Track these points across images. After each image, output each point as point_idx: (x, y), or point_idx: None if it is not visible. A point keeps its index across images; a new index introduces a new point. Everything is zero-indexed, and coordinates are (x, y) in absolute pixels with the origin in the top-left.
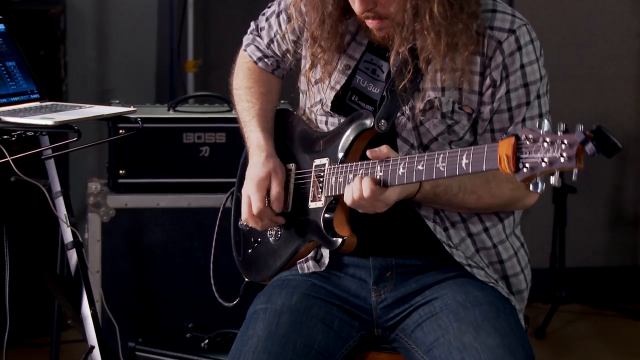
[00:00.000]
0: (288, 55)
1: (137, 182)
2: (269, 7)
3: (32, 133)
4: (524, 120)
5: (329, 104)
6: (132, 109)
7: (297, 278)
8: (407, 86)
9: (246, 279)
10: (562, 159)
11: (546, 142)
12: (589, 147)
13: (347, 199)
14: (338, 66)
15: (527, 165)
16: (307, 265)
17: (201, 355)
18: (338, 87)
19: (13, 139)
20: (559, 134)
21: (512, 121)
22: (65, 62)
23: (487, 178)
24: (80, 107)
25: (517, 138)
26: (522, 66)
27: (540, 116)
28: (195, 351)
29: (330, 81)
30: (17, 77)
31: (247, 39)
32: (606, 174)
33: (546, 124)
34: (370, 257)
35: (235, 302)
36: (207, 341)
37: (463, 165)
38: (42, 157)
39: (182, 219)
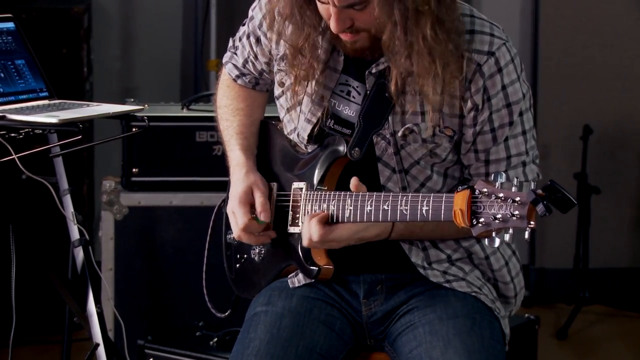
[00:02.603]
0: (265, 74)
1: (150, 181)
2: (242, 25)
3: (40, 131)
4: (506, 139)
5: (305, 137)
6: (138, 107)
7: None
8: (373, 107)
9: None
10: (514, 218)
11: (499, 198)
12: (539, 208)
13: (304, 242)
14: (314, 98)
15: (481, 220)
16: (298, 279)
17: (209, 354)
18: (314, 119)
19: (20, 136)
20: (513, 189)
21: (495, 141)
22: (91, 61)
23: None
24: (88, 105)
25: (472, 191)
26: (504, 87)
27: (524, 133)
28: (203, 349)
29: (302, 110)
30: (26, 75)
31: (226, 56)
32: (631, 174)
33: (503, 176)
34: (361, 274)
35: (227, 313)
36: (215, 340)
37: (424, 212)
38: (50, 154)
39: (194, 218)
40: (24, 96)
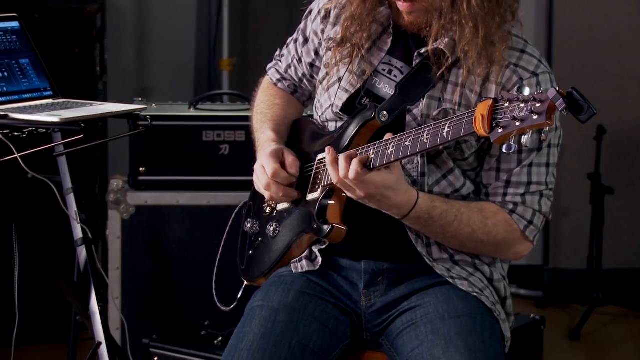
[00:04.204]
0: (305, 80)
1: (157, 180)
2: (292, 36)
3: (44, 130)
4: (531, 165)
5: (340, 105)
6: (141, 106)
7: (293, 275)
8: (412, 85)
9: (245, 283)
10: (534, 116)
11: (521, 101)
12: (559, 103)
13: (333, 177)
14: (356, 71)
15: (501, 125)
16: (301, 265)
17: (214, 353)
18: (352, 90)
19: (24, 135)
20: (535, 93)
21: (519, 163)
22: (104, 60)
23: (486, 215)
24: (92, 105)
25: (495, 100)
26: None
27: (548, 165)
28: (208, 348)
29: (342, 86)
30: (30, 74)
31: (270, 65)
32: None
33: (527, 90)
34: (363, 261)
35: (232, 307)
36: (220, 339)
37: (444, 134)
38: (54, 153)
39: (201, 217)
40: (28, 95)
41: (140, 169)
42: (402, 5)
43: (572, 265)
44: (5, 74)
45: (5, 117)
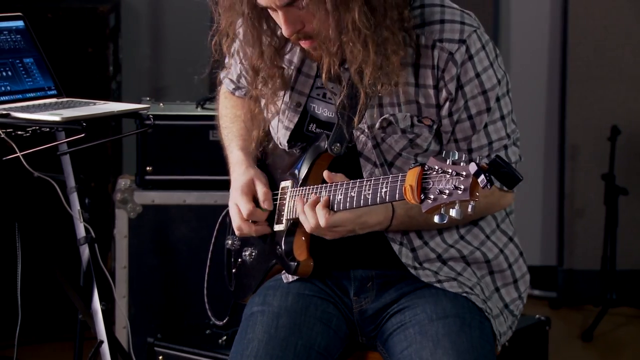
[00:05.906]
0: None
1: (164, 179)
2: (234, 44)
3: (48, 129)
4: (486, 125)
5: (285, 143)
6: (143, 105)
7: None
8: (346, 103)
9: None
10: (458, 191)
11: (447, 172)
12: (481, 179)
13: (308, 230)
14: (290, 104)
15: (430, 196)
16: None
17: (218, 352)
18: (292, 126)
19: (27, 134)
20: (461, 164)
21: (474, 129)
22: (119, 60)
23: None
24: (95, 104)
25: (423, 168)
26: (477, 75)
27: (502, 118)
28: (212, 347)
29: (281, 119)
30: (34, 74)
31: (223, 72)
32: None
33: (456, 154)
34: (351, 270)
35: (225, 321)
36: (224, 338)
37: (383, 194)
38: (58, 152)
39: (208, 216)
40: (32, 94)
41: (147, 168)
42: (303, 44)
43: (586, 266)
44: (9, 73)
45: (8, 115)
